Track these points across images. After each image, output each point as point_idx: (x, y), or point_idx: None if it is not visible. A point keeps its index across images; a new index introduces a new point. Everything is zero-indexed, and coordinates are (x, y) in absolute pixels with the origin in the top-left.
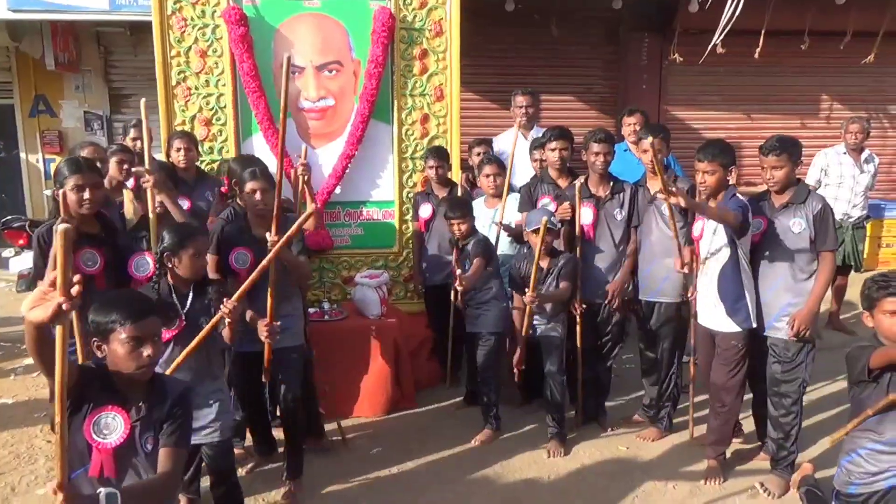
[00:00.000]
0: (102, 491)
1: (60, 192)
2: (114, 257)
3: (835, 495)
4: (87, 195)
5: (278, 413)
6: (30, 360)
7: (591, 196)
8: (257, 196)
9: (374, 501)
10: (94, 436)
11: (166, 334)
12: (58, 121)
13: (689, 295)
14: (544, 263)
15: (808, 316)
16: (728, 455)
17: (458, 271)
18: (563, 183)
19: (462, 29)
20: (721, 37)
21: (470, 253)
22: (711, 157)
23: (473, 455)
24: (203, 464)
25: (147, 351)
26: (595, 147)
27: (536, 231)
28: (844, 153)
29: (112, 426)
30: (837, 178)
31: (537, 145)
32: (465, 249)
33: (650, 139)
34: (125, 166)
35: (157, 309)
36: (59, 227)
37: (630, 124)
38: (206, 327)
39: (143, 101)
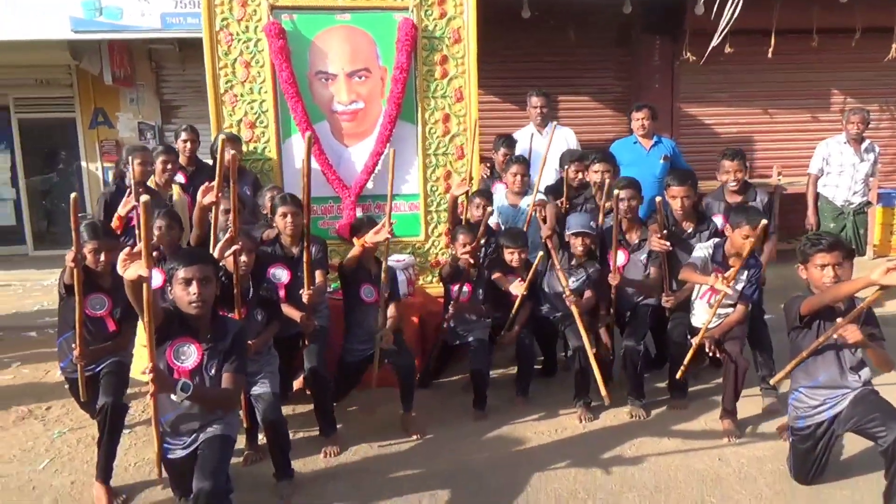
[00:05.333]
0: (181, 379)
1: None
2: (120, 302)
3: (790, 431)
4: (102, 258)
5: None
6: None
7: (623, 240)
8: (288, 219)
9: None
10: (175, 360)
11: None
12: (115, 131)
13: None
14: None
15: None
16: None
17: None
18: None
19: (480, 35)
20: (720, 38)
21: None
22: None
23: (494, 417)
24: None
25: (194, 290)
26: (620, 193)
27: (576, 234)
28: (845, 143)
29: (187, 353)
30: (838, 166)
31: (575, 158)
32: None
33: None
34: (169, 166)
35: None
36: (142, 199)
37: (638, 119)
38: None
39: (221, 137)
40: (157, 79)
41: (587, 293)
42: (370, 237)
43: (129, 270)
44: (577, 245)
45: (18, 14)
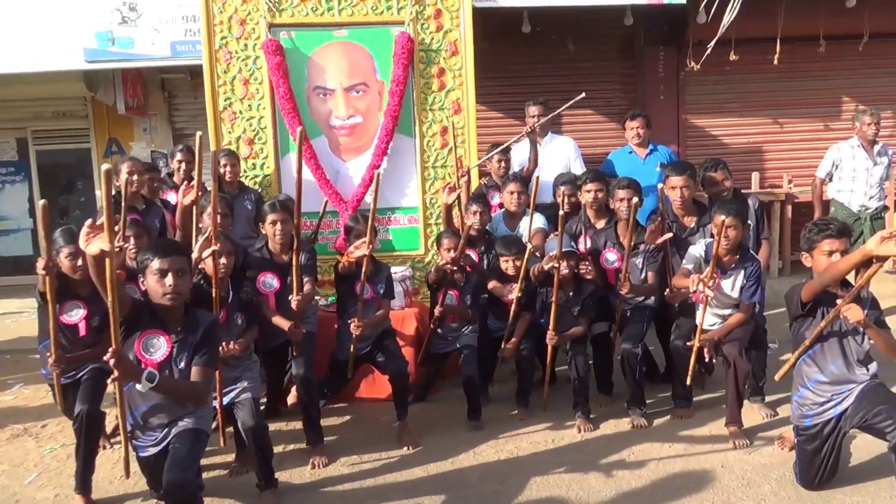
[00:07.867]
0: (147, 368)
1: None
2: (98, 309)
3: (796, 432)
4: (80, 263)
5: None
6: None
7: (618, 243)
8: (278, 227)
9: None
10: (143, 353)
11: None
12: None
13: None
14: (568, 290)
15: None
16: None
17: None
18: (599, 224)
19: (482, 50)
20: (724, 46)
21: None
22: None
23: (491, 428)
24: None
25: (169, 281)
26: (620, 193)
27: (553, 257)
28: (858, 146)
29: (157, 346)
30: (851, 171)
31: (566, 181)
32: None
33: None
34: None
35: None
36: (103, 167)
37: (633, 128)
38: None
39: (198, 134)
40: (169, 108)
41: (578, 326)
42: (351, 252)
43: (91, 245)
44: (563, 267)
45: (34, 47)
